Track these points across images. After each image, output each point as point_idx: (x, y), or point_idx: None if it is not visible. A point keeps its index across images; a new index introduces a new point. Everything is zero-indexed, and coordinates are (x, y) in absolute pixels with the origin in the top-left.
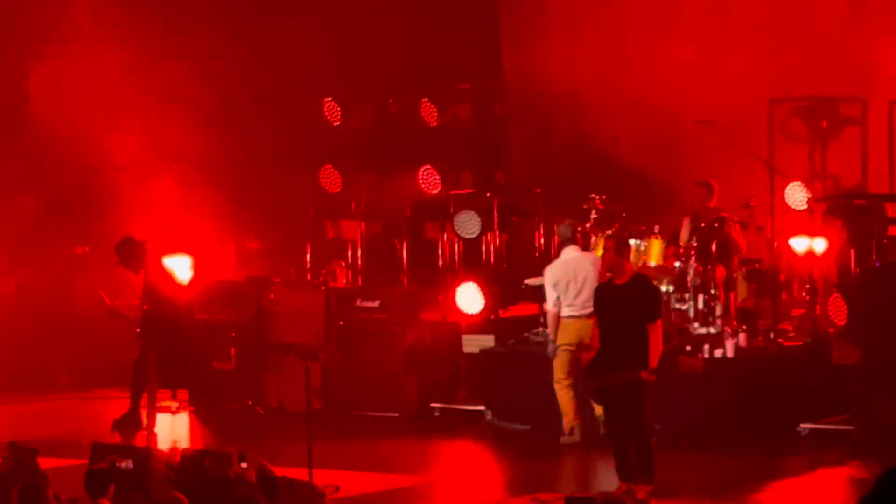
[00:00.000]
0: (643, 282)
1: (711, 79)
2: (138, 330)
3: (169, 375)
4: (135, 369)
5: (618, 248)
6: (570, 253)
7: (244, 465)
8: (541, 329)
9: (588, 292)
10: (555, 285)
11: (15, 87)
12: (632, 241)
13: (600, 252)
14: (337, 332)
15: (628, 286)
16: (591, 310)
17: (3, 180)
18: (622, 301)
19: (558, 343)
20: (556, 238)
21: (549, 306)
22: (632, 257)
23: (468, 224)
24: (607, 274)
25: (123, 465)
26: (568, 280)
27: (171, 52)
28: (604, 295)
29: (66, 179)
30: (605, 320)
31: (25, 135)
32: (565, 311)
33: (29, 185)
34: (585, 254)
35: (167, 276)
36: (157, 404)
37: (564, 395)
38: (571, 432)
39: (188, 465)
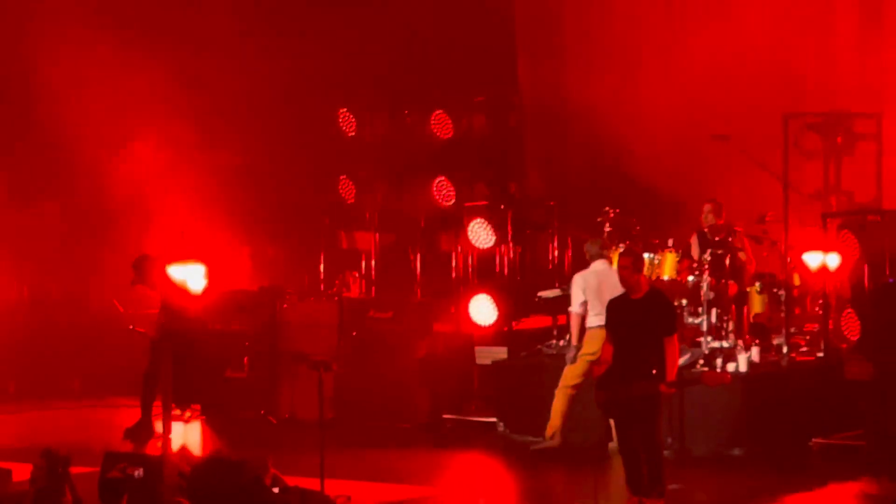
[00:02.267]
0: (659, 296)
1: (726, 94)
2: (152, 339)
3: (181, 387)
4: (145, 378)
5: (635, 266)
6: (601, 265)
7: (256, 474)
8: (553, 342)
9: None
10: (584, 290)
11: (36, 98)
12: (645, 255)
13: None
14: (350, 342)
15: (644, 300)
16: None
17: (24, 189)
18: (638, 315)
19: (583, 351)
20: (569, 251)
21: (575, 308)
22: (645, 270)
23: (481, 234)
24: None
25: (135, 473)
26: (600, 289)
27: (188, 64)
28: (619, 309)
29: (86, 188)
30: (621, 334)
31: (45, 144)
32: (594, 321)
33: (49, 193)
34: (614, 268)
35: (180, 289)
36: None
37: (563, 403)
38: (552, 438)
39: (200, 473)
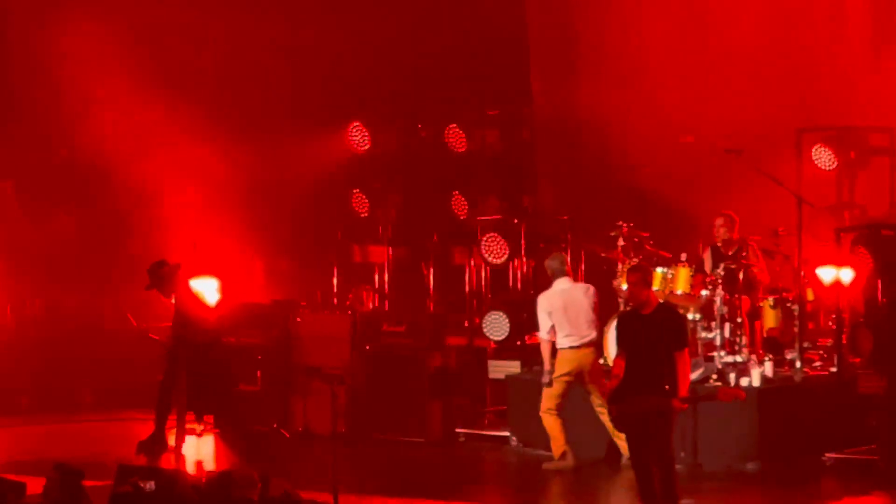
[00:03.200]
0: (669, 310)
1: (739, 107)
2: (167, 351)
3: (197, 397)
4: (159, 390)
5: (644, 281)
6: (563, 283)
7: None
8: None
9: (584, 322)
10: (550, 314)
11: (50, 111)
12: (659, 270)
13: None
14: (363, 356)
15: (654, 315)
16: (590, 338)
17: (38, 202)
18: (649, 330)
19: (557, 373)
20: (582, 264)
21: (543, 334)
22: (658, 285)
23: (494, 248)
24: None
25: (148, 486)
26: (566, 308)
27: (202, 75)
28: (629, 323)
29: (100, 201)
30: (631, 349)
31: (59, 157)
32: (564, 342)
33: (64, 206)
34: (577, 284)
35: (197, 299)
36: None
37: (554, 423)
38: (563, 457)
39: (213, 487)
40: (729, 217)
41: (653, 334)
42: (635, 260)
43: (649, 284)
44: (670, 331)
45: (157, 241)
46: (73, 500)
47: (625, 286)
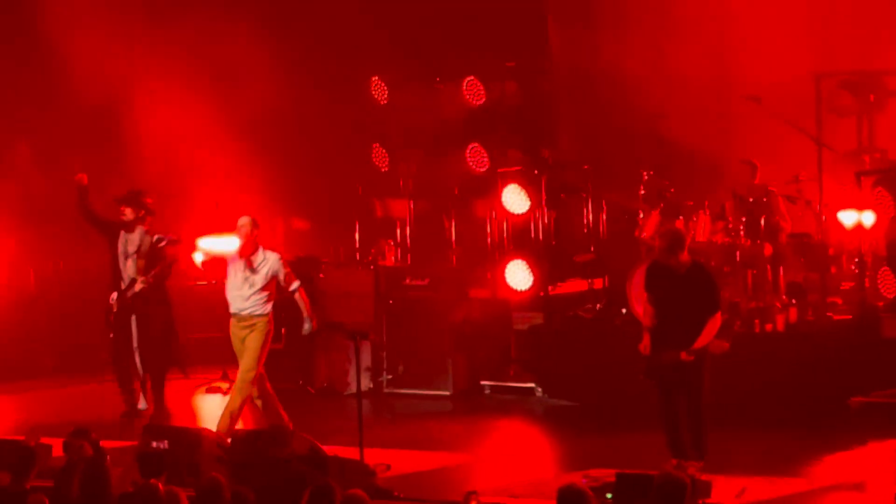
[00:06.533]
0: (701, 272)
1: (758, 54)
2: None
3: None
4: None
5: (671, 248)
6: None
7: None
8: (589, 306)
9: None
10: None
11: (68, 70)
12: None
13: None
14: (386, 310)
15: (687, 276)
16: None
17: (56, 163)
18: (680, 291)
19: None
20: (603, 214)
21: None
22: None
23: (515, 199)
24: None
25: (173, 446)
26: None
27: (218, 33)
28: (659, 279)
29: (120, 162)
30: (661, 305)
31: (77, 117)
32: None
33: (84, 167)
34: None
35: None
36: (210, 384)
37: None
38: None
39: (239, 445)
40: (751, 164)
41: (685, 296)
42: (660, 206)
43: (678, 250)
44: (702, 295)
45: (180, 201)
46: (103, 461)
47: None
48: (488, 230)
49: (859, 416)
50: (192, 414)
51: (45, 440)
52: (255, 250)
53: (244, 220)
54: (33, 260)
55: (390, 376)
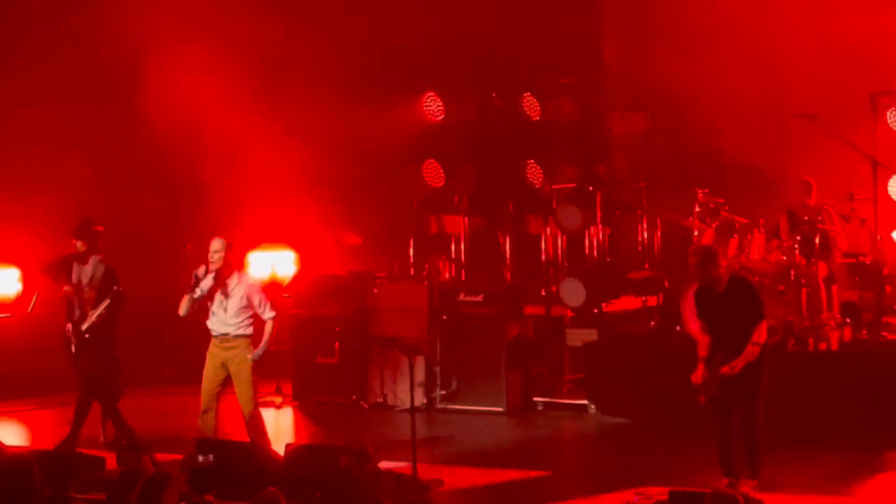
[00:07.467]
0: (740, 286)
1: (813, 71)
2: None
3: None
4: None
5: (703, 264)
6: None
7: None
8: (643, 323)
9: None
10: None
11: (132, 86)
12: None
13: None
14: (440, 326)
15: (727, 293)
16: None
17: (126, 180)
18: (724, 309)
19: None
20: (658, 231)
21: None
22: (735, 251)
23: (570, 216)
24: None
25: (226, 460)
26: None
27: (277, 50)
28: (704, 301)
29: (179, 177)
30: (710, 325)
31: (145, 138)
32: None
33: (143, 183)
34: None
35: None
36: (261, 399)
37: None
38: None
39: (293, 460)
40: (807, 182)
41: (728, 313)
42: (714, 226)
43: (710, 265)
44: (745, 309)
45: (236, 215)
46: (158, 478)
47: None
48: (543, 246)
49: None
50: (242, 429)
51: (98, 453)
52: (230, 274)
53: (218, 244)
54: None
55: (444, 392)
